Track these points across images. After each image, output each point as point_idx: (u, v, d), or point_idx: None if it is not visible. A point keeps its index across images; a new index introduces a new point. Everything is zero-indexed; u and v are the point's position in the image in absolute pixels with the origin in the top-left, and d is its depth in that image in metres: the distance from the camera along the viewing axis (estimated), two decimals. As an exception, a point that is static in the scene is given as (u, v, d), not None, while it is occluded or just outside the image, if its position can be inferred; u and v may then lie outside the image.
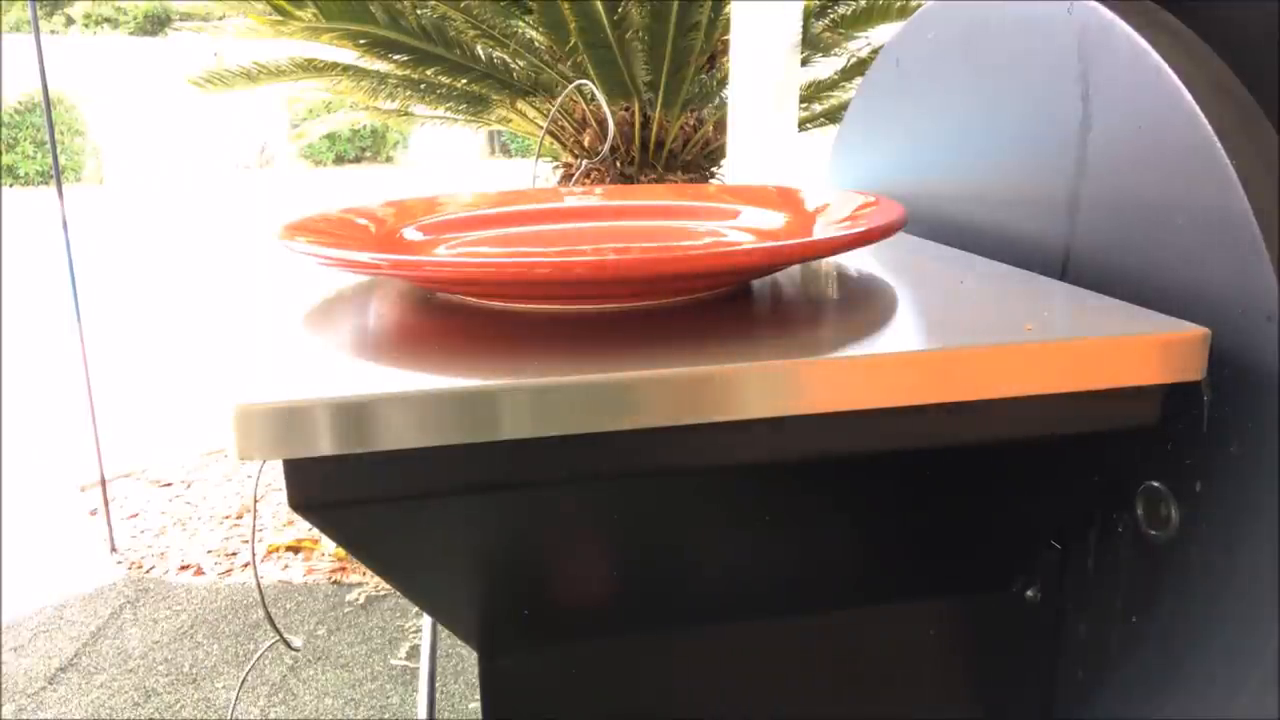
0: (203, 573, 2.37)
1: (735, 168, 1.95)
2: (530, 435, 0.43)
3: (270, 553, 2.46)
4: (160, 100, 12.87)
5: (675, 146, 2.87)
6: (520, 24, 2.81)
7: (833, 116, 3.16)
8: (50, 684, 1.90)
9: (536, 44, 2.83)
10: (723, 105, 2.62)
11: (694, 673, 0.65)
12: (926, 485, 0.57)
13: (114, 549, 2.49)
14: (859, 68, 2.97)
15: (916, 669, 0.68)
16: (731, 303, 0.57)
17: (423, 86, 2.93)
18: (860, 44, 2.96)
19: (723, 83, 2.57)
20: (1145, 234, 0.56)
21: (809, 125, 3.17)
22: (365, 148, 15.48)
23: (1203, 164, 0.51)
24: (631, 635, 0.63)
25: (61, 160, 6.63)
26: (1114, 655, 0.61)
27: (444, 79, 2.84)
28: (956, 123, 0.74)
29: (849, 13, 2.87)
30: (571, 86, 1.15)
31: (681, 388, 0.44)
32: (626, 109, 2.76)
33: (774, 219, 0.71)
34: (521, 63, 2.82)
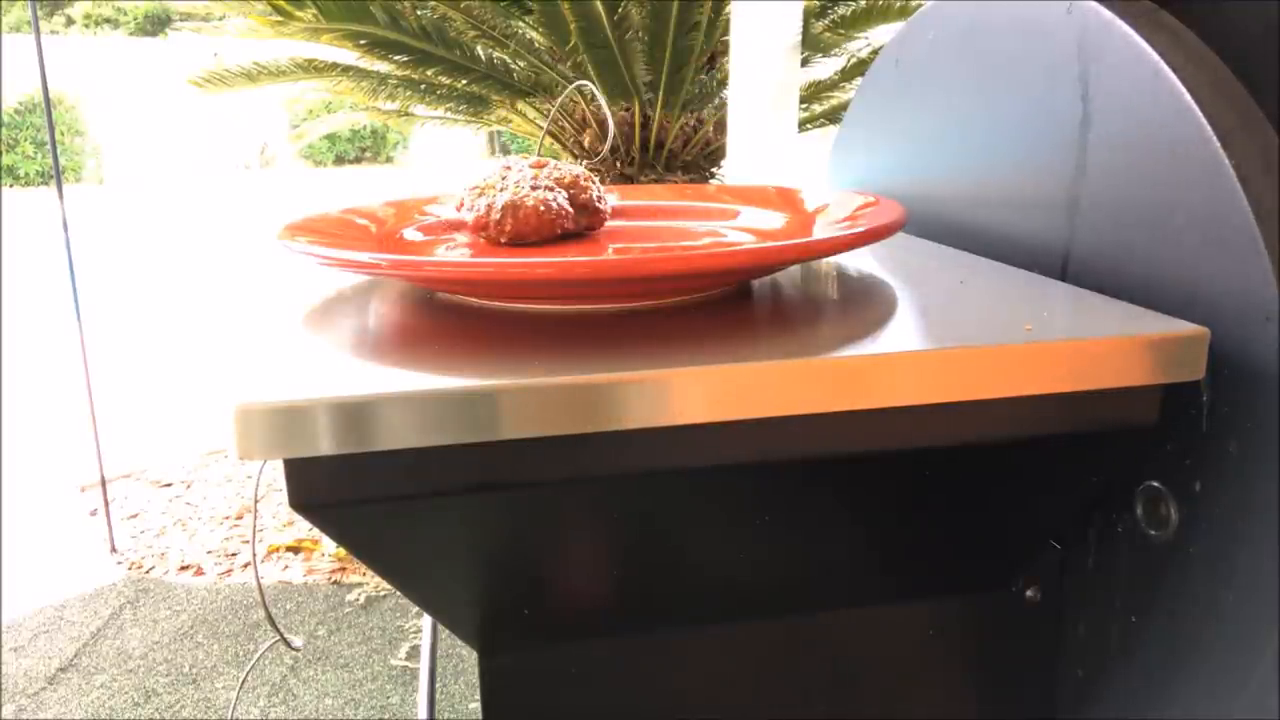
0: (203, 573, 2.37)
1: (735, 168, 1.95)
2: (530, 435, 0.43)
3: (270, 553, 2.46)
4: (160, 100, 12.87)
5: (675, 147, 2.87)
6: (520, 24, 2.81)
7: (833, 117, 3.16)
8: (50, 684, 1.90)
9: (537, 44, 2.83)
10: (723, 105, 2.62)
11: (694, 673, 0.65)
12: (926, 485, 0.57)
13: (114, 549, 2.49)
14: (859, 68, 2.96)
15: (916, 669, 0.68)
16: (731, 303, 0.57)
17: (423, 87, 2.93)
18: (860, 44, 2.96)
19: (723, 83, 2.57)
20: (1145, 234, 0.56)
21: (809, 125, 3.16)
22: (365, 148, 15.48)
23: (1203, 164, 0.51)
24: (632, 635, 0.63)
25: (61, 160, 6.63)
26: (1114, 655, 0.61)
27: (444, 79, 2.84)
28: (956, 123, 0.74)
29: (849, 13, 2.87)
30: (572, 87, 1.15)
31: (681, 388, 0.44)
32: (626, 109, 2.76)
33: (774, 219, 0.71)
34: (522, 63, 2.82)
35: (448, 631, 0.70)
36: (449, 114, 3.18)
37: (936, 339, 0.49)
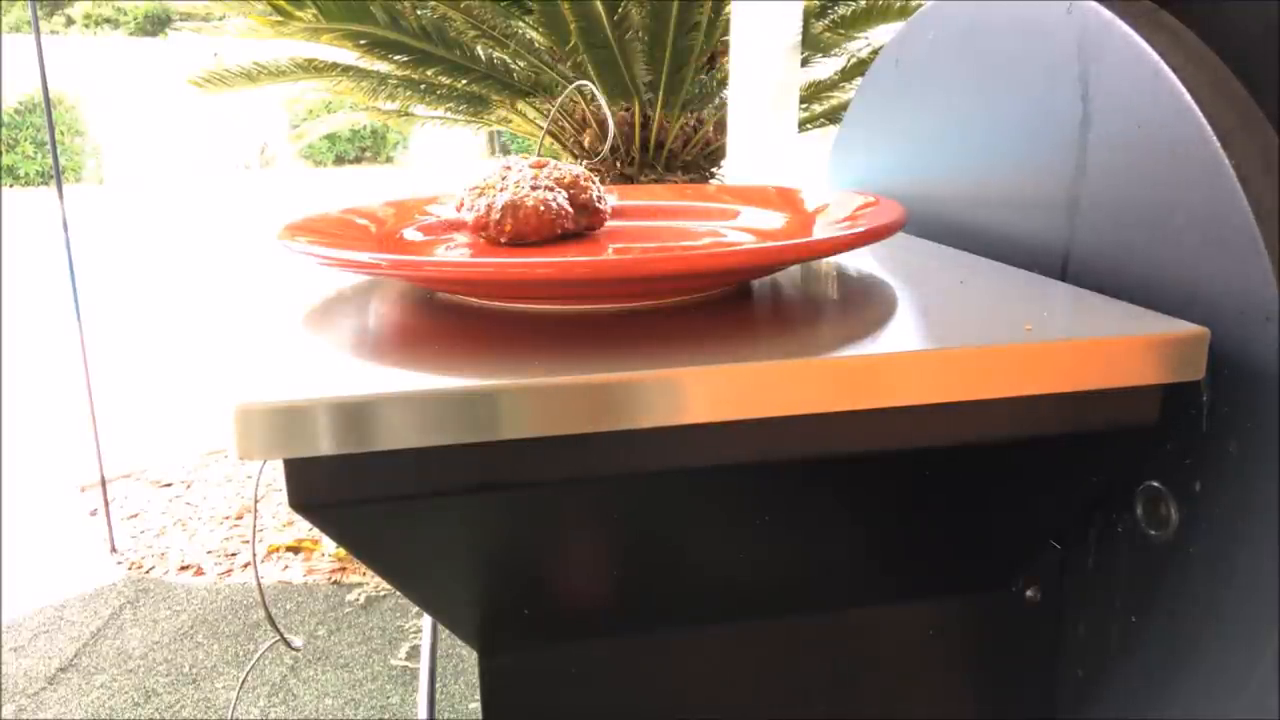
0: (203, 573, 2.37)
1: (735, 168, 1.95)
2: (530, 435, 0.43)
3: (270, 553, 2.46)
4: (160, 100, 12.87)
5: (675, 147, 2.87)
6: (520, 24, 2.81)
7: (833, 116, 3.16)
8: (50, 684, 1.90)
9: (537, 44, 2.83)
10: (723, 105, 2.62)
11: (694, 673, 0.65)
12: (926, 485, 0.57)
13: (114, 549, 2.49)
14: (859, 68, 2.96)
15: (916, 669, 0.68)
16: (731, 303, 0.57)
17: (423, 87, 2.93)
18: (860, 44, 2.96)
19: (723, 83, 2.57)
20: (1145, 234, 0.56)
21: (809, 125, 3.16)
22: (365, 148, 15.48)
23: (1202, 164, 0.51)
24: (631, 635, 0.63)
25: (61, 160, 6.63)
26: (1114, 655, 0.61)
27: (444, 79, 2.84)
28: (956, 123, 0.74)
29: (849, 13, 2.87)
30: (572, 87, 1.15)
31: (681, 388, 0.44)
32: (626, 109, 2.76)
33: (774, 219, 0.71)
34: (522, 63, 2.82)
35: (448, 631, 0.70)
36: (449, 114, 3.18)
37: (936, 339, 0.49)
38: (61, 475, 2.97)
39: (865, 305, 0.57)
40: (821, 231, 0.65)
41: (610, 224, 0.68)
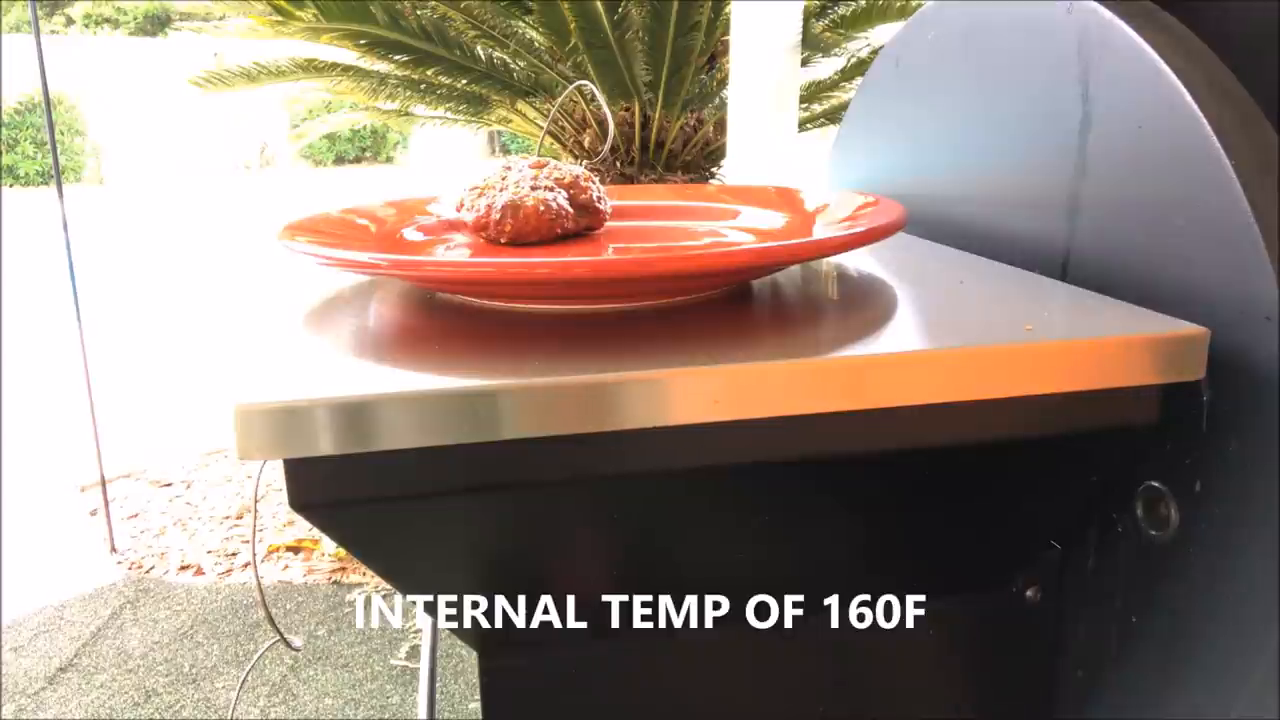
0: (203, 573, 2.37)
1: (735, 168, 1.95)
2: (530, 435, 0.43)
3: (270, 553, 2.46)
4: (160, 100, 12.87)
5: (675, 147, 2.87)
6: (520, 24, 2.81)
7: (833, 116, 3.16)
8: (50, 684, 1.90)
9: (536, 44, 2.83)
10: (723, 105, 2.62)
11: (694, 673, 0.65)
12: (926, 485, 0.57)
13: (114, 549, 2.49)
14: (859, 68, 2.96)
15: (916, 669, 0.68)
16: (731, 303, 0.57)
17: (423, 87, 2.93)
18: (860, 44, 2.95)
19: (723, 83, 2.58)
20: (1145, 234, 0.56)
21: (809, 125, 3.16)
22: (365, 148, 15.47)
23: (1203, 164, 0.51)
24: (631, 635, 0.63)
25: (61, 160, 6.63)
26: (1114, 655, 0.62)
27: (444, 79, 2.84)
28: (956, 123, 0.74)
29: (849, 13, 2.87)
30: (572, 87, 1.15)
31: (682, 388, 0.44)
32: (626, 109, 2.76)
33: (774, 219, 0.71)
34: (521, 63, 2.82)
35: (448, 631, 0.70)
36: (449, 114, 3.18)
37: (936, 339, 0.49)
38: (61, 475, 2.97)
39: (865, 305, 0.57)
40: (821, 232, 0.65)
41: (610, 224, 0.68)
